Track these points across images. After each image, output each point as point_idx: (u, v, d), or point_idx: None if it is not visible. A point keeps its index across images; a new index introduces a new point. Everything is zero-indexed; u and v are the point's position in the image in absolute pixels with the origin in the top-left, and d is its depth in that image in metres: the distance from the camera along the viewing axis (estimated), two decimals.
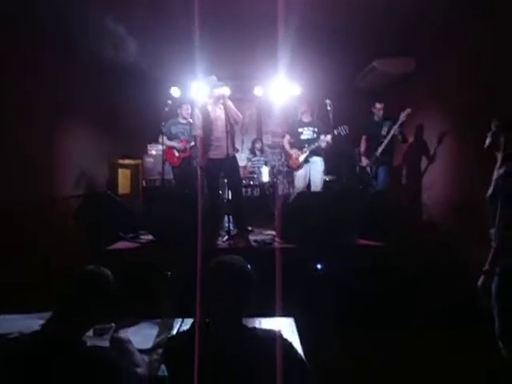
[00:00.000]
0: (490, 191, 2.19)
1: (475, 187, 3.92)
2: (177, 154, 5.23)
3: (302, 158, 5.05)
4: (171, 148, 5.17)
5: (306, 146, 5.01)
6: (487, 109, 3.67)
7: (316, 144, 4.91)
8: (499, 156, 2.21)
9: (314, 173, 5.04)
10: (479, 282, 2.14)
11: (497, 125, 2.26)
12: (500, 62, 3.55)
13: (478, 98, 3.92)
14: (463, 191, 4.21)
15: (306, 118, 5.14)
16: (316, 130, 5.03)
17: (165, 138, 5.22)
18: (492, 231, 2.16)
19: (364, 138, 5.35)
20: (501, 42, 3.56)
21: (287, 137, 5.27)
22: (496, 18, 3.65)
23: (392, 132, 4.92)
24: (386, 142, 4.99)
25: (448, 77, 4.62)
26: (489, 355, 2.51)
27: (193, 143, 5.23)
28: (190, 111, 5.31)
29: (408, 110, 4.80)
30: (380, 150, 5.05)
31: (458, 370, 2.70)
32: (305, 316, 2.16)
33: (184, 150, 5.23)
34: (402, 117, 4.83)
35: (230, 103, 4.17)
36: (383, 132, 5.01)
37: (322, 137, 4.86)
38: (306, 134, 5.08)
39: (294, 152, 5.15)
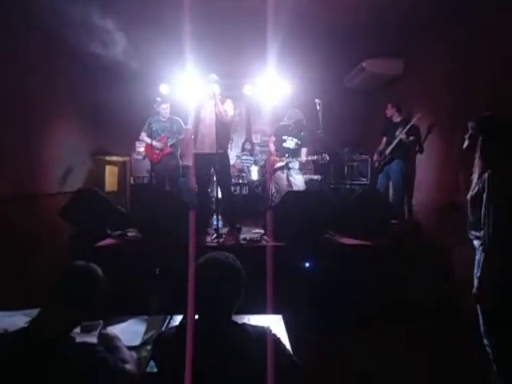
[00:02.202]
0: (472, 193, 2.20)
1: (460, 188, 4.00)
2: (157, 150, 5.24)
3: (277, 165, 5.11)
4: (151, 145, 5.16)
5: (286, 156, 5.06)
6: (474, 111, 3.74)
7: (294, 161, 5.04)
8: (477, 157, 2.21)
9: (293, 175, 5.11)
10: (475, 289, 2.11)
11: (473, 126, 2.28)
12: (489, 64, 3.61)
13: (465, 101, 3.99)
14: (449, 192, 4.28)
15: (290, 127, 5.11)
16: (299, 142, 5.08)
17: (144, 134, 5.26)
18: (474, 233, 2.19)
19: (384, 139, 5.36)
20: (489, 43, 3.62)
21: (272, 138, 5.29)
22: (484, 19, 3.71)
23: (399, 135, 4.94)
24: (394, 143, 5.01)
25: (436, 78, 4.69)
26: (467, 353, 2.59)
27: (173, 140, 5.27)
28: (168, 110, 5.36)
29: (419, 114, 4.79)
30: (389, 149, 5.09)
31: (440, 367, 2.76)
32: (292, 313, 2.18)
33: (163, 148, 5.25)
34: (413, 121, 4.83)
35: (227, 102, 4.28)
36: (397, 133, 5.03)
37: (303, 158, 4.99)
38: (289, 143, 5.11)
39: (273, 156, 5.19)
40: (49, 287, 1.37)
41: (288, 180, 5.13)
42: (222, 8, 4.21)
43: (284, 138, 5.13)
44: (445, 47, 4.48)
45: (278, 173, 5.16)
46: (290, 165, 5.09)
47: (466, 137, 2.32)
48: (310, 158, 5.05)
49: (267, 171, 5.43)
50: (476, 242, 2.19)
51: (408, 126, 4.87)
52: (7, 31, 4.03)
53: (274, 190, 5.70)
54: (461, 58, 4.12)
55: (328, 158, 4.83)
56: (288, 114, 5.19)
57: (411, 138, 4.88)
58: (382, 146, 5.37)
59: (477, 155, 2.22)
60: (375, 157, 5.44)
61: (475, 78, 3.83)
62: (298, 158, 5.03)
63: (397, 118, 5.22)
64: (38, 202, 4.54)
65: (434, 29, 4.56)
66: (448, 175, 4.34)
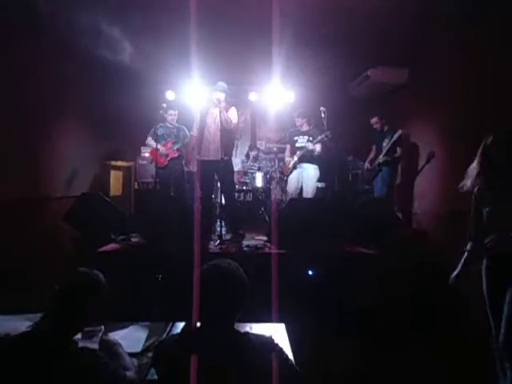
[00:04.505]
0: None
1: (464, 198, 3.97)
2: (163, 155, 5.26)
3: (291, 164, 5.16)
4: (158, 149, 5.18)
5: (298, 152, 5.10)
6: (478, 120, 3.73)
7: (304, 150, 5.00)
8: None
9: (306, 179, 5.10)
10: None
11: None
12: (492, 74, 3.60)
13: (468, 110, 3.98)
14: (452, 201, 4.25)
15: (303, 128, 5.21)
16: (311, 138, 5.10)
17: (150, 138, 5.30)
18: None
19: (374, 148, 5.44)
20: (493, 54, 3.61)
21: (288, 146, 5.37)
22: (489, 30, 3.70)
23: (386, 149, 5.05)
24: (381, 155, 5.11)
25: (439, 88, 4.68)
26: (478, 361, 2.56)
27: (179, 144, 5.28)
28: (176, 117, 5.39)
29: (399, 132, 4.93)
30: (377, 161, 5.17)
31: (445, 377, 2.72)
32: (296, 321, 2.16)
33: (169, 152, 5.27)
34: (395, 137, 4.96)
35: (231, 110, 4.30)
36: (384, 144, 5.13)
37: (310, 144, 4.94)
38: (301, 141, 5.17)
39: (287, 160, 5.24)
40: (52, 292, 1.37)
41: (300, 185, 5.15)
42: (227, 17, 4.24)
43: (295, 138, 5.22)
44: (449, 56, 4.48)
45: (291, 177, 5.20)
46: (304, 165, 5.08)
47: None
48: (318, 146, 4.96)
49: (285, 174, 5.44)
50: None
51: (389, 144, 5.01)
52: (18, 39, 4.08)
53: (283, 197, 5.75)
54: (465, 66, 4.11)
55: (329, 135, 4.83)
56: (297, 112, 5.27)
57: (398, 150, 5.04)
58: (372, 155, 5.45)
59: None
60: (366, 166, 5.47)
61: (480, 87, 3.81)
62: (309, 146, 4.98)
63: (384, 128, 5.31)
64: (43, 206, 4.56)
65: (438, 38, 4.57)
66: (451, 185, 4.31)
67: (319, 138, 4.88)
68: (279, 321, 1.99)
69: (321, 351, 2.79)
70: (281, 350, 1.33)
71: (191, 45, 4.16)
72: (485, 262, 2.22)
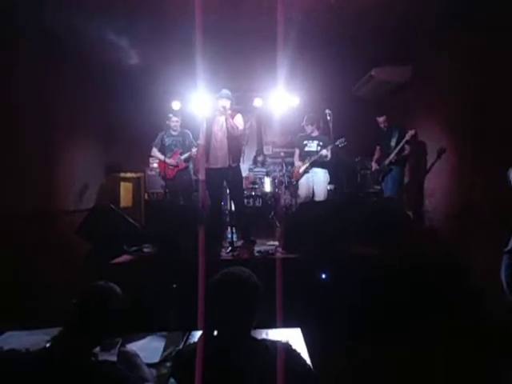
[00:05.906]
0: None
1: (474, 194, 3.94)
2: (171, 166, 5.28)
3: (302, 169, 5.15)
4: (166, 162, 5.20)
5: (308, 158, 5.09)
6: (485, 117, 3.71)
7: (316, 156, 4.98)
8: None
9: (317, 183, 5.09)
10: None
11: None
12: (497, 69, 3.58)
13: (475, 106, 3.95)
14: (463, 198, 4.22)
15: (313, 134, 5.22)
16: (321, 143, 5.10)
17: (155, 149, 5.31)
18: None
19: (378, 148, 5.46)
20: (497, 49, 3.59)
21: (297, 151, 5.37)
22: (492, 24, 3.69)
23: (398, 148, 5.04)
24: (392, 155, 5.08)
25: (444, 85, 4.66)
26: (489, 359, 2.52)
27: (187, 154, 5.29)
28: (178, 123, 5.41)
29: (412, 132, 4.91)
30: (387, 161, 5.15)
31: (459, 375, 2.69)
32: (310, 326, 2.16)
33: (178, 163, 5.28)
34: (407, 136, 4.94)
35: (237, 116, 4.31)
36: (392, 143, 5.11)
37: (324, 151, 4.93)
38: (311, 146, 5.17)
39: (297, 164, 5.25)
40: (67, 306, 1.39)
41: (312, 190, 5.14)
42: (232, 24, 4.28)
43: (305, 142, 5.21)
44: (451, 53, 4.47)
45: (301, 181, 5.20)
46: (314, 170, 5.09)
47: None
48: (325, 151, 4.95)
49: (295, 179, 5.42)
50: None
51: (401, 144, 4.99)
52: (25, 56, 4.16)
53: (293, 201, 5.72)
54: (468, 62, 4.10)
55: (344, 142, 4.82)
56: (306, 118, 5.25)
57: (406, 148, 5.03)
58: (377, 155, 5.43)
59: None
60: (374, 166, 5.45)
61: (484, 84, 3.79)
62: (320, 152, 4.97)
63: (387, 128, 5.30)
64: (56, 220, 4.62)
65: (441, 35, 4.56)
66: (461, 181, 4.29)
67: (336, 143, 4.86)
68: (294, 325, 1.98)
69: (338, 355, 2.77)
70: (298, 354, 1.33)
71: (196, 53, 4.19)
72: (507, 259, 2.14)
